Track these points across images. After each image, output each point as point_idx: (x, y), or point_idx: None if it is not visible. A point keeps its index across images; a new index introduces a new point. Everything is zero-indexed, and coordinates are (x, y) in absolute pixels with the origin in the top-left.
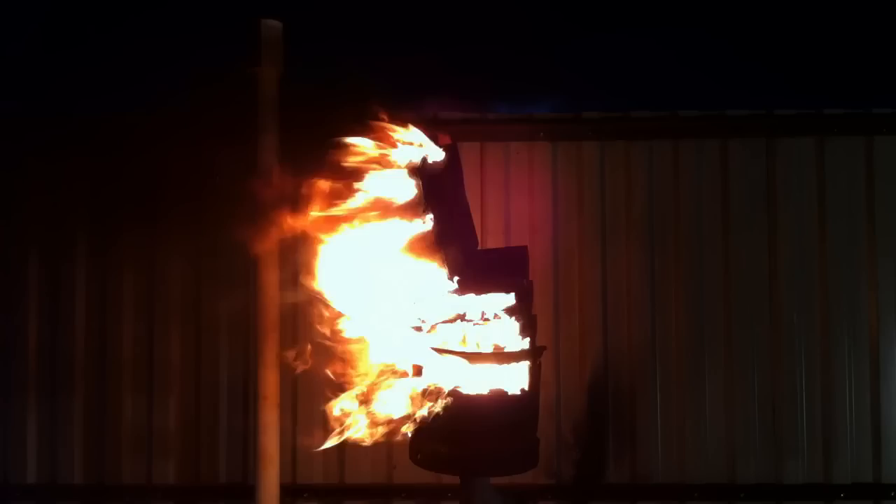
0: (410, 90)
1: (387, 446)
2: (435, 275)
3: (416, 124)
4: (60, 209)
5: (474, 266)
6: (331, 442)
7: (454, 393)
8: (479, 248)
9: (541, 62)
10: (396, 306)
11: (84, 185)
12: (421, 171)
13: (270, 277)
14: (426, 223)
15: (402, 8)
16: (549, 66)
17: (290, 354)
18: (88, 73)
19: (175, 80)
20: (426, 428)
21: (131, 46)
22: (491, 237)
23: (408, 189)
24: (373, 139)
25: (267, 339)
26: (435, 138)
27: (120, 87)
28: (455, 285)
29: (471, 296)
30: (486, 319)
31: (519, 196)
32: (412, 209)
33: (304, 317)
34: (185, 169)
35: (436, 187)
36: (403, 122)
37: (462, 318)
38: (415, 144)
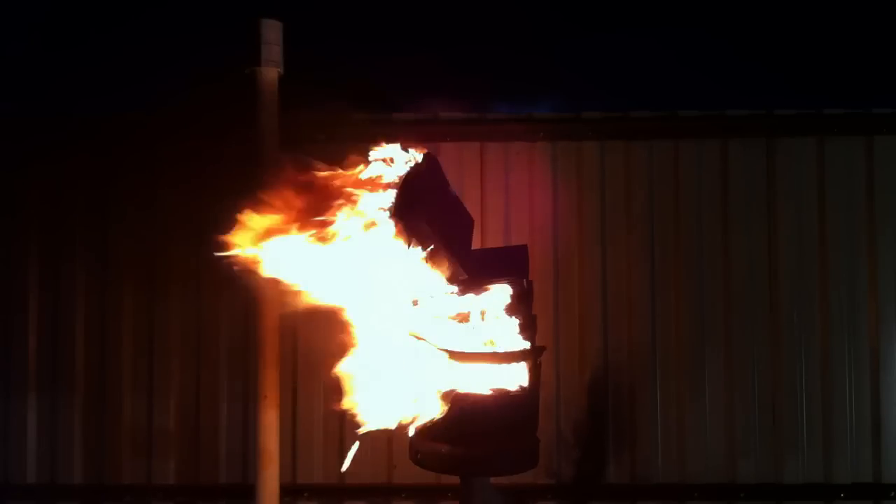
0: (410, 90)
1: (387, 446)
2: (434, 275)
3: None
4: (60, 209)
5: (474, 266)
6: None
7: (455, 393)
8: (479, 247)
9: (541, 62)
10: (396, 306)
11: (84, 185)
12: (397, 212)
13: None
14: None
15: (402, 8)
16: (549, 66)
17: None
18: (88, 73)
19: (175, 80)
20: (426, 428)
21: (131, 46)
22: (491, 237)
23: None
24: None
25: (267, 338)
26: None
27: (120, 87)
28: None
29: (471, 296)
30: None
31: (519, 196)
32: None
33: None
34: (186, 168)
35: (416, 217)
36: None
37: (462, 317)
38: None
